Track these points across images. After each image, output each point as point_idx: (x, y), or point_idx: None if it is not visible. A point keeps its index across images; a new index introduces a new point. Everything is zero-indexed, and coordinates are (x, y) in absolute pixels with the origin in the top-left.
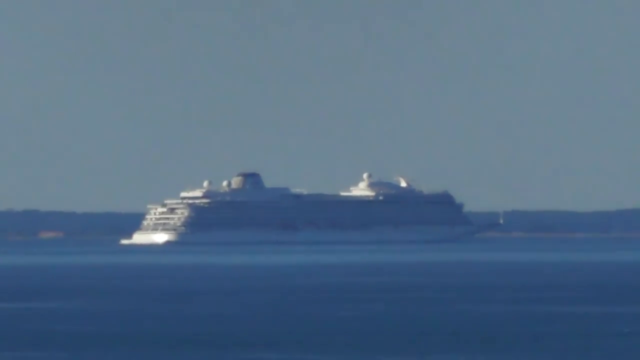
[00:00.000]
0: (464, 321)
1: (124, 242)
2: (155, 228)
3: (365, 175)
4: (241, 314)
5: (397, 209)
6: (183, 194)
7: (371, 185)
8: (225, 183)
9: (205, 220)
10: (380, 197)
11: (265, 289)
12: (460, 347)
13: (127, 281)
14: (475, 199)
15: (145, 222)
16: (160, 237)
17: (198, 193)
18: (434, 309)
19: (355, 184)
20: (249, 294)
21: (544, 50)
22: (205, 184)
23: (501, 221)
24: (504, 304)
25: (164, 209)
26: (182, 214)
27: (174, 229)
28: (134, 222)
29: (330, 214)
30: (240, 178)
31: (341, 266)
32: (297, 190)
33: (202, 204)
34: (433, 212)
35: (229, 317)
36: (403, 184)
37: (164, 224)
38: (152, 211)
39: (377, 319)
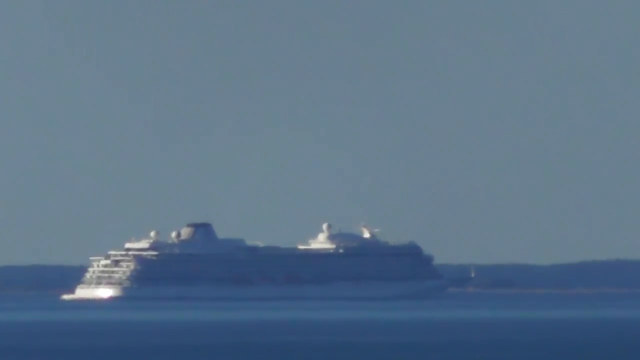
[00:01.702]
0: None
1: (66, 297)
2: (98, 282)
3: (324, 226)
4: None
5: (359, 263)
6: (128, 245)
7: (331, 237)
8: (174, 234)
9: (152, 274)
10: (341, 250)
11: (215, 348)
12: None
13: (67, 339)
14: (445, 251)
15: (87, 275)
16: (105, 292)
17: (144, 244)
18: None
19: (314, 235)
20: (198, 352)
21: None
22: (152, 234)
23: (473, 275)
24: None
25: (108, 261)
26: (127, 267)
27: (119, 283)
28: (76, 275)
29: (287, 268)
30: (190, 228)
31: (297, 323)
32: (251, 242)
33: (149, 256)
34: (399, 265)
35: None
36: (366, 234)
37: (108, 277)
38: (95, 263)
39: None
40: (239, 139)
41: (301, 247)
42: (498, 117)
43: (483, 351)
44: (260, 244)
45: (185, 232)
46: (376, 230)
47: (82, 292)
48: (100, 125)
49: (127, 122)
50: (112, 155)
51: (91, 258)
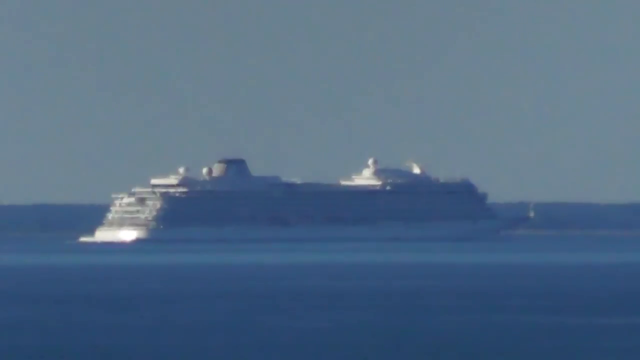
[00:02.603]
0: (470, 334)
1: (84, 239)
2: (121, 223)
3: (370, 161)
4: (217, 323)
5: (408, 201)
6: (154, 182)
7: (377, 173)
8: (204, 170)
9: (180, 213)
10: (388, 187)
11: (248, 294)
12: None
13: (85, 286)
14: (501, 188)
15: (109, 216)
16: (128, 234)
17: (173, 181)
18: (438, 319)
19: (359, 171)
20: (227, 299)
21: (575, 32)
22: (181, 170)
23: (531, 215)
24: (523, 314)
25: (132, 200)
26: (153, 205)
27: (144, 224)
28: (96, 215)
29: (328, 207)
30: (222, 165)
31: (339, 267)
32: (288, 179)
33: (177, 194)
34: (451, 204)
35: (198, 328)
36: (416, 170)
37: (132, 217)
38: (118, 202)
39: (366, 329)
40: (273, 67)
41: (344, 183)
42: (560, 46)
43: (542, 298)
44: (298, 180)
45: (217, 168)
46: (426, 165)
47: (103, 234)
48: (127, 52)
49: (156, 50)
50: (139, 83)
51: (113, 196)
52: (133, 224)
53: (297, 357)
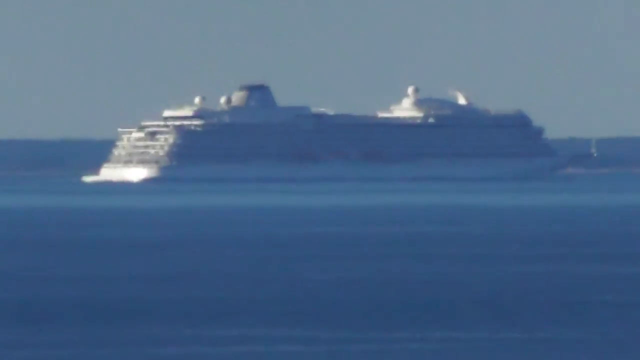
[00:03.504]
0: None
1: (88, 178)
2: (129, 159)
3: (410, 90)
4: (235, 273)
5: (453, 135)
6: (167, 113)
7: (418, 103)
8: (223, 99)
9: (197, 148)
10: (431, 119)
11: (271, 241)
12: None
13: (90, 230)
14: (559, 122)
15: (115, 152)
16: (137, 172)
17: (187, 112)
18: (494, 270)
19: (398, 101)
20: (247, 247)
21: None
22: (196, 100)
23: (594, 152)
24: (590, 263)
25: (142, 134)
26: (165, 140)
27: (155, 161)
28: (101, 151)
29: (363, 141)
30: (243, 92)
31: (375, 210)
32: (319, 109)
33: (192, 127)
34: (502, 138)
35: (207, 278)
36: (461, 100)
37: (142, 153)
38: (125, 137)
39: (390, 282)
40: None
41: (381, 115)
42: None
43: (607, 244)
44: (330, 111)
45: (237, 96)
46: (473, 95)
47: (109, 173)
48: None
49: None
50: (151, 6)
51: (120, 130)
52: (142, 160)
53: (315, 311)
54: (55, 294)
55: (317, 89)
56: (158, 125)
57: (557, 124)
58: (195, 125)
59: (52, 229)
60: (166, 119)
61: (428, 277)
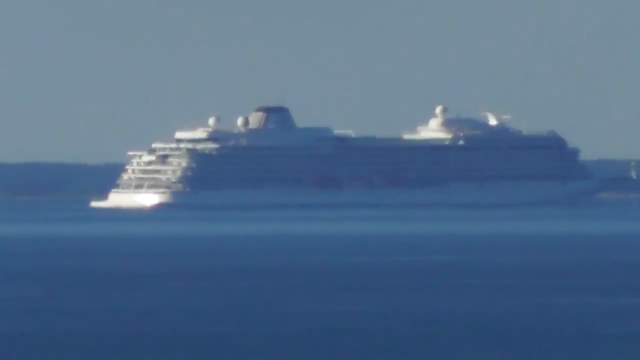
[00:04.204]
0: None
1: (96, 204)
2: (139, 184)
3: (438, 110)
4: (242, 308)
5: (483, 158)
6: (180, 135)
7: (447, 124)
8: (239, 120)
9: (211, 173)
10: (460, 141)
11: (290, 270)
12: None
13: (97, 259)
14: (595, 143)
15: (125, 177)
16: (148, 198)
17: (201, 134)
18: (527, 302)
19: (425, 122)
20: (269, 275)
21: None
22: (211, 121)
23: (633, 174)
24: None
25: (152, 157)
26: (178, 164)
27: (167, 186)
28: (110, 176)
29: (388, 165)
30: (260, 114)
31: (401, 239)
32: (341, 131)
33: (207, 150)
34: (536, 161)
35: (221, 312)
36: (492, 121)
37: (153, 178)
38: (135, 161)
39: (394, 315)
40: (323, 1)
41: (407, 137)
42: None
43: None
44: (352, 133)
45: (255, 118)
46: (506, 116)
47: (118, 198)
48: None
49: None
50: (164, 22)
51: (130, 153)
52: (154, 185)
53: (328, 347)
54: (51, 327)
55: (339, 109)
56: (170, 148)
57: (593, 145)
58: (210, 149)
59: (52, 258)
60: (179, 141)
61: (457, 310)
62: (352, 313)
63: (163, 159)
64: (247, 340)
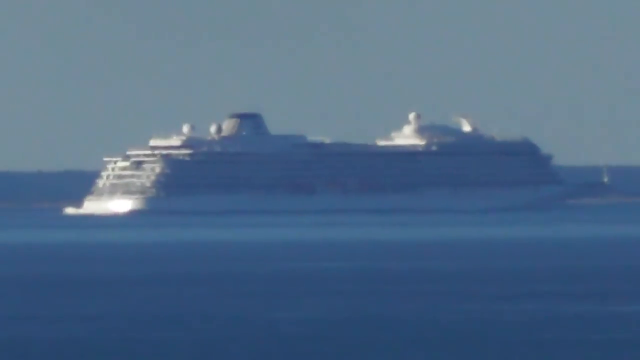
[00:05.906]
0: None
1: (70, 211)
2: (113, 191)
3: (411, 116)
4: (221, 316)
5: (457, 164)
6: (154, 142)
7: (421, 130)
8: (213, 127)
9: (185, 179)
10: (433, 147)
11: (264, 277)
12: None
13: (72, 266)
14: (568, 149)
15: (100, 183)
16: (122, 204)
17: (175, 141)
18: (501, 309)
19: (399, 128)
20: (244, 281)
21: None
22: (185, 128)
23: (605, 180)
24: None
25: (127, 164)
26: (152, 170)
27: (141, 192)
28: (84, 183)
29: (362, 171)
30: (234, 120)
31: (375, 245)
32: (314, 137)
33: (181, 157)
34: (509, 167)
35: (195, 320)
36: (466, 127)
37: (127, 184)
38: (110, 167)
39: (410, 321)
40: (294, 2)
41: (381, 143)
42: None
43: (620, 280)
44: (327, 139)
45: (228, 124)
46: (478, 121)
47: (92, 205)
48: None
49: None
50: (137, 29)
51: (105, 159)
52: (128, 191)
53: (302, 351)
54: (26, 333)
55: (313, 116)
56: (144, 155)
57: (566, 151)
58: (184, 155)
59: (27, 265)
60: (153, 147)
61: (421, 316)
62: (307, 319)
63: (137, 165)
64: (201, 345)
